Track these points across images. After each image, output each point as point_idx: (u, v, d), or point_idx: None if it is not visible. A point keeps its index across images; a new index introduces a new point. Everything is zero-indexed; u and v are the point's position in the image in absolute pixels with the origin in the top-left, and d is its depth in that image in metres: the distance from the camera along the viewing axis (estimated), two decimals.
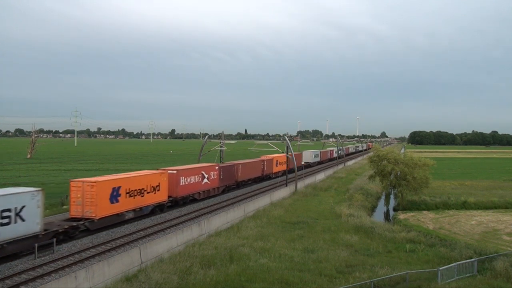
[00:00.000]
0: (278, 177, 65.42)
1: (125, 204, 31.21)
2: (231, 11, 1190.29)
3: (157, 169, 39.17)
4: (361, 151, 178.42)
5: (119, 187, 30.46)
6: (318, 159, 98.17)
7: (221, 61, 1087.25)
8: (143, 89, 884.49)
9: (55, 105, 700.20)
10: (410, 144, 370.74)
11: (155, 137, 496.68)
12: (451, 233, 35.36)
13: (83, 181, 28.69)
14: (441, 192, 54.83)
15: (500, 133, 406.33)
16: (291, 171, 63.17)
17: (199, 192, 42.84)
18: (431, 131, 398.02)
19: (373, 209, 49.43)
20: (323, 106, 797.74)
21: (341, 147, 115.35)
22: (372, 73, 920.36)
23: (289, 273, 21.29)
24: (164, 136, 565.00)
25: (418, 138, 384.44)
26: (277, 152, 70.96)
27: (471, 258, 23.89)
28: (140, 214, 33.59)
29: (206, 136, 76.19)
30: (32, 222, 23.36)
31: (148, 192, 33.95)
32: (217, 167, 46.49)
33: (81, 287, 17.68)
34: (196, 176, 41.99)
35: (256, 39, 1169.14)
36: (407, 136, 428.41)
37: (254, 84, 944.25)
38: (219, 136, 65.47)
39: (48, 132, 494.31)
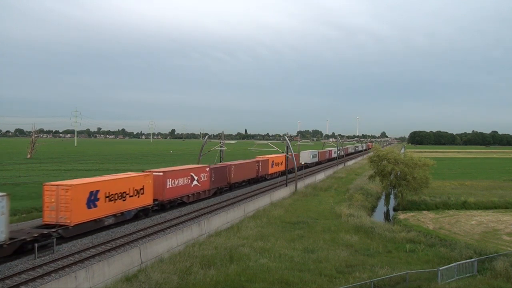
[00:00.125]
0: (274, 178, 64.21)
1: (104, 209, 29.18)
2: (231, 11, 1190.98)
3: (143, 171, 37.19)
4: (360, 151, 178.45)
5: (97, 191, 28.44)
6: (316, 159, 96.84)
7: (221, 61, 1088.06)
8: (143, 89, 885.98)
9: (55, 105, 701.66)
10: (410, 144, 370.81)
11: (155, 137, 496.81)
12: (451, 233, 35.36)
13: (57, 185, 26.89)
14: (441, 192, 54.83)
15: (500, 133, 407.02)
16: (291, 171, 63.18)
17: (188, 195, 40.86)
18: (431, 131, 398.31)
19: (373, 209, 49.44)
20: (323, 106, 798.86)
21: (340, 148, 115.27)
22: (372, 73, 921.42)
23: (289, 273, 21.29)
24: (164, 136, 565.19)
25: (418, 138, 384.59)
26: (277, 152, 70.89)
27: (471, 258, 23.89)
28: (122, 219, 31.56)
29: (206, 136, 76.21)
30: None
31: (130, 196, 31.90)
32: (207, 168, 44.61)
33: (81, 287, 17.69)
34: (185, 178, 40.01)
35: (256, 39, 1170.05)
36: (407, 136, 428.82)
37: (254, 84, 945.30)
38: (219, 136, 65.52)
39: (48, 132, 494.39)
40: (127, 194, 31.61)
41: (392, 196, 58.31)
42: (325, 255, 24.89)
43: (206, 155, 59.57)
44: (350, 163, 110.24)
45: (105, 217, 29.48)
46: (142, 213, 34.22)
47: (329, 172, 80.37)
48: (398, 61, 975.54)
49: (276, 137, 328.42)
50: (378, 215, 47.71)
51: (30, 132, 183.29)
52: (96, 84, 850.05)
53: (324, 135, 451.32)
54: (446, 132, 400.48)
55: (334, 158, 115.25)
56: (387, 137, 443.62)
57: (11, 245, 22.44)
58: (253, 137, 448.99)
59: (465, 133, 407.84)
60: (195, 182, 41.96)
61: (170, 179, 37.58)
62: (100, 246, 25.67)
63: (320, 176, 70.76)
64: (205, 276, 20.43)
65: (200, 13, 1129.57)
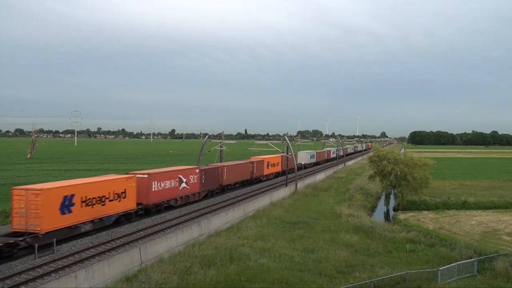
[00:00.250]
0: (269, 180, 62.83)
1: (80, 215, 27.05)
2: (231, 11, 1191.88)
3: (127, 173, 35.03)
4: (360, 151, 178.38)
5: (72, 195, 26.32)
6: (314, 160, 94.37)
7: (221, 61, 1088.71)
8: (143, 89, 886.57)
9: (55, 105, 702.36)
10: (410, 144, 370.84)
11: (155, 137, 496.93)
12: (451, 233, 35.36)
13: (27, 189, 24.55)
14: (441, 192, 54.83)
15: (500, 133, 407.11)
16: (291, 171, 63.14)
17: (175, 198, 38.85)
18: (431, 131, 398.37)
19: (373, 209, 49.44)
20: (323, 106, 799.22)
21: (340, 148, 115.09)
22: (372, 73, 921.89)
23: (289, 273, 21.29)
24: (164, 136, 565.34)
25: (418, 138, 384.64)
26: (277, 152, 70.88)
27: (471, 258, 23.89)
28: (101, 225, 29.48)
29: (206, 136, 76.19)
30: None
31: (110, 200, 29.73)
32: (197, 170, 42.59)
33: (81, 287, 17.69)
34: (172, 180, 38.02)
35: (256, 39, 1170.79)
36: (407, 136, 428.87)
37: (254, 84, 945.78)
38: (219, 136, 65.51)
39: (48, 132, 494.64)
40: (107, 198, 29.47)
41: (392, 196, 58.32)
42: (325, 255, 24.89)
43: (206, 155, 59.58)
44: (350, 163, 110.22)
45: (82, 223, 27.41)
46: (124, 218, 32.03)
47: (329, 172, 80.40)
48: (398, 61, 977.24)
49: (276, 137, 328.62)
50: (378, 215, 47.71)
51: (30, 132, 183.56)
52: (96, 84, 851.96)
53: (324, 135, 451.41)
54: (446, 132, 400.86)
55: (333, 158, 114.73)
56: (387, 137, 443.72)
57: None
58: (253, 137, 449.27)
59: (465, 133, 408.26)
60: (183, 185, 40.00)
61: (156, 182, 35.61)
62: (100, 246, 25.66)
63: (320, 176, 70.79)
64: (205, 276, 20.43)
65: (200, 13, 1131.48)
